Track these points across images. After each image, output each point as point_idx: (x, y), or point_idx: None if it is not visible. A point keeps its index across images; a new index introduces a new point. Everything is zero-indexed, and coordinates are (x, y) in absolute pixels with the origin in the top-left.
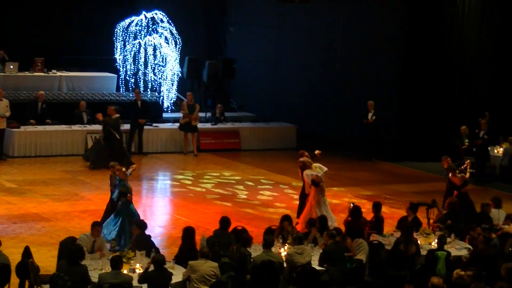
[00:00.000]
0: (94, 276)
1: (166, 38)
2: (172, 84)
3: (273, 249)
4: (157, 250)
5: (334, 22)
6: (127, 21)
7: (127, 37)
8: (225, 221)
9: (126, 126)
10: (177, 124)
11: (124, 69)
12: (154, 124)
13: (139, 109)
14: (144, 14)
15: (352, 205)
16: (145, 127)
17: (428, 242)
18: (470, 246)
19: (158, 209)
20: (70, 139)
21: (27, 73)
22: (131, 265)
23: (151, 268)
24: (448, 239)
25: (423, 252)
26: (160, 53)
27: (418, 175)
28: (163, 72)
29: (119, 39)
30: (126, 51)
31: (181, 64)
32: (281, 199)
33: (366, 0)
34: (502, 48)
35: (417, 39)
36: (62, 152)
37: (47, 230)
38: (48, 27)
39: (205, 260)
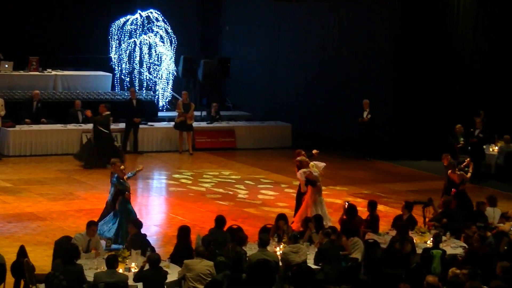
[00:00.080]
0: (89, 275)
1: (161, 37)
2: (168, 83)
3: (268, 248)
4: (152, 249)
5: (330, 22)
6: (122, 20)
7: (122, 36)
8: (220, 220)
9: (122, 125)
10: (173, 123)
11: (119, 68)
12: (149, 123)
13: (134, 108)
14: (139, 13)
15: (347, 203)
16: (141, 126)
17: (423, 241)
18: (465, 245)
19: (154, 208)
20: (65, 138)
21: (22, 72)
22: (126, 264)
23: (147, 267)
24: (444, 238)
25: (419, 251)
26: (155, 52)
27: (414, 173)
28: (158, 71)
29: (114, 38)
30: (121, 50)
31: (177, 63)
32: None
33: None
34: (498, 47)
35: (413, 38)
36: (57, 151)
37: (42, 230)
38: (43, 26)
39: (201, 259)
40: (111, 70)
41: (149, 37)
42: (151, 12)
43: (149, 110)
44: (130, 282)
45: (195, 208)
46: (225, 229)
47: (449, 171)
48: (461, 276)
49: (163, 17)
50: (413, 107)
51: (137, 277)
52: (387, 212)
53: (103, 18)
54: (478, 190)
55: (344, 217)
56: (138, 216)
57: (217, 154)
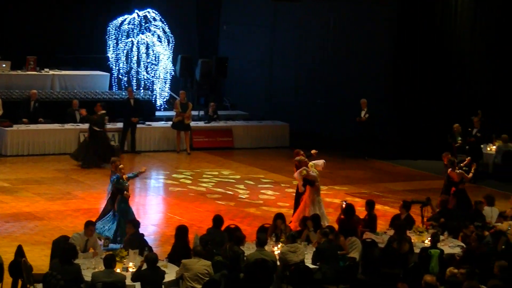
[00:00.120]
0: (87, 275)
1: (158, 37)
2: (165, 82)
3: (266, 248)
4: (150, 248)
5: (329, 21)
6: (120, 19)
7: (120, 36)
8: (218, 220)
9: (119, 125)
10: (170, 123)
11: (117, 68)
12: (147, 123)
13: (132, 108)
14: (137, 13)
15: (345, 203)
16: (138, 125)
17: (421, 240)
18: (463, 244)
19: (151, 207)
20: (63, 138)
21: (19, 72)
22: (124, 264)
23: (144, 266)
24: (441, 237)
25: (416, 250)
26: (153, 51)
27: (412, 173)
28: (156, 70)
29: (111, 38)
30: (118, 49)
31: (174, 62)
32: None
33: None
34: (496, 47)
35: (411, 38)
36: (55, 151)
37: (40, 229)
38: (40, 26)
39: (198, 258)
40: (108, 69)
41: (146, 37)
42: (149, 12)
43: (146, 109)
44: (128, 281)
45: (192, 208)
46: (222, 228)
47: (449, 169)
48: (459, 276)
49: (160, 17)
50: (411, 106)
51: (135, 276)
52: (385, 211)
53: (101, 18)
54: (476, 189)
55: (342, 216)
56: (136, 216)
57: (214, 154)
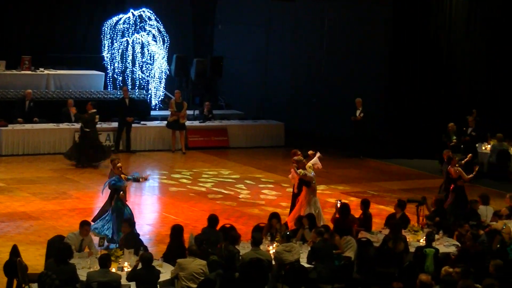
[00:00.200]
0: (82, 275)
1: (153, 36)
2: (160, 82)
3: (261, 247)
4: (145, 248)
5: (324, 20)
6: (115, 19)
7: (115, 35)
8: (213, 219)
9: (114, 124)
10: (165, 122)
11: (112, 67)
12: (142, 122)
13: (127, 107)
14: (132, 12)
15: (339, 202)
16: (133, 125)
17: (416, 239)
18: (458, 243)
19: (146, 207)
20: (58, 138)
21: (14, 72)
22: (119, 264)
23: (140, 266)
24: (436, 236)
25: (412, 249)
26: (148, 51)
27: (407, 172)
28: (151, 70)
29: (106, 37)
30: (113, 49)
31: (169, 62)
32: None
33: None
34: (490, 46)
35: (405, 37)
36: (50, 151)
37: (35, 229)
38: (35, 25)
39: (194, 258)
40: (103, 69)
41: (141, 36)
42: (144, 11)
43: (141, 109)
44: (123, 281)
45: (187, 207)
46: (218, 228)
47: (449, 166)
48: (454, 275)
49: (155, 16)
50: (407, 106)
51: (130, 276)
52: (380, 210)
53: (96, 17)
54: (470, 188)
55: (337, 215)
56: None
57: (210, 153)
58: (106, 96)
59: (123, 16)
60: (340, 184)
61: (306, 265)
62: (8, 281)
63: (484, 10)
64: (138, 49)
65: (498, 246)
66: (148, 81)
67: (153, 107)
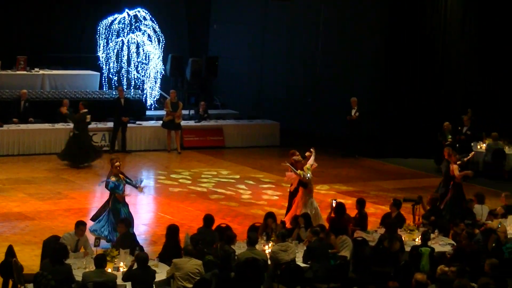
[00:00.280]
0: (78, 275)
1: (149, 36)
2: (155, 82)
3: (257, 247)
4: (141, 248)
5: (319, 19)
6: (110, 19)
7: (110, 35)
8: (208, 219)
9: (110, 124)
10: (161, 122)
11: (107, 67)
12: (137, 122)
13: (122, 107)
14: (127, 12)
15: (335, 202)
16: (129, 125)
17: (412, 239)
18: (453, 242)
19: (142, 207)
20: (53, 138)
21: (9, 72)
22: (115, 264)
23: (135, 266)
24: (432, 235)
25: (407, 249)
26: (143, 51)
27: (403, 171)
28: (146, 70)
29: (102, 37)
30: (109, 49)
31: (164, 61)
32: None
33: None
34: (485, 45)
35: (400, 37)
36: (45, 151)
37: (30, 229)
38: (30, 25)
39: (189, 258)
40: (99, 69)
41: (136, 36)
42: (139, 11)
43: (137, 109)
44: (119, 281)
45: (183, 207)
46: (213, 228)
47: (450, 163)
48: (450, 274)
49: (150, 16)
50: (402, 105)
51: (126, 276)
52: (375, 210)
53: (91, 17)
54: (466, 187)
55: (333, 215)
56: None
57: (205, 153)
58: (101, 96)
59: (118, 16)
60: (335, 183)
61: (302, 265)
62: (3, 281)
63: (479, 11)
64: (133, 49)
65: (494, 245)
66: (143, 81)
67: (148, 107)
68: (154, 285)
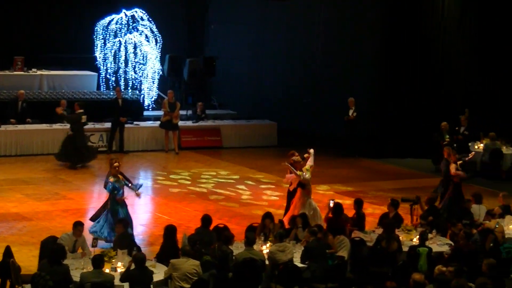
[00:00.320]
0: (75, 276)
1: (146, 36)
2: (153, 82)
3: (255, 247)
4: (138, 248)
5: (317, 19)
6: (107, 19)
7: (108, 35)
8: (206, 219)
9: (107, 125)
10: (158, 122)
11: (105, 68)
12: (135, 123)
13: (120, 108)
14: (124, 12)
15: (332, 202)
16: (126, 125)
17: (409, 239)
18: (451, 242)
19: (140, 207)
20: (51, 138)
21: (7, 72)
22: (112, 264)
23: (132, 266)
24: (430, 235)
25: (405, 249)
26: (141, 51)
27: (401, 171)
28: (143, 70)
29: (99, 38)
30: (106, 49)
31: (162, 62)
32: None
33: None
34: (482, 45)
35: (398, 36)
36: (43, 151)
37: (28, 230)
38: (28, 25)
39: (187, 258)
40: (96, 69)
41: (134, 36)
42: (136, 11)
43: (134, 109)
44: (117, 282)
45: (181, 208)
46: (211, 228)
47: (449, 162)
48: (447, 274)
49: (148, 16)
50: (395, 104)
51: (123, 277)
52: (373, 210)
53: (88, 18)
54: (463, 187)
55: (330, 215)
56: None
57: (203, 153)
58: (99, 97)
59: (116, 16)
60: (333, 183)
61: (300, 265)
62: (1, 282)
63: (478, 11)
64: (130, 49)
65: (491, 245)
66: (141, 81)
67: (146, 107)
68: (152, 286)
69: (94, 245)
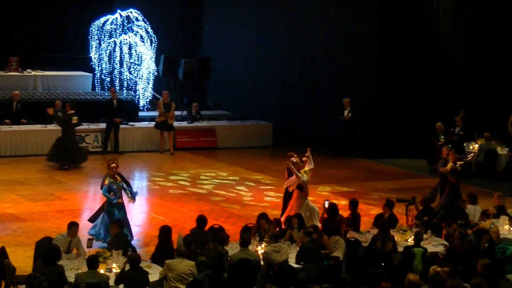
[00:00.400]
0: (70, 276)
1: (141, 37)
2: (148, 82)
3: (250, 247)
4: (133, 249)
5: (312, 20)
6: (102, 19)
7: (102, 36)
8: (201, 220)
9: (102, 125)
10: (153, 123)
11: (100, 68)
12: (130, 123)
13: (115, 108)
14: (119, 13)
15: (327, 202)
16: (121, 126)
17: (404, 239)
18: (446, 242)
19: (135, 208)
20: (45, 139)
21: (1, 73)
22: (107, 265)
23: (127, 267)
24: (425, 236)
25: (400, 249)
26: (136, 51)
27: (396, 171)
28: (138, 70)
29: (94, 38)
30: (101, 50)
31: (157, 62)
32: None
33: None
34: (477, 46)
35: (394, 37)
36: (37, 152)
37: (23, 231)
38: (22, 26)
39: (182, 259)
40: (91, 70)
41: (129, 37)
42: (131, 12)
43: (129, 110)
44: (111, 282)
45: (176, 208)
46: (206, 228)
47: (448, 161)
48: (442, 274)
49: (143, 17)
50: (391, 104)
51: (118, 279)
52: (368, 210)
53: (83, 18)
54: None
55: (325, 215)
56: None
57: (198, 154)
58: (94, 97)
59: (111, 17)
60: (328, 184)
61: (295, 265)
62: None
63: (478, 11)
64: (125, 50)
65: (486, 245)
66: (136, 82)
67: (141, 108)
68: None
69: (89, 245)
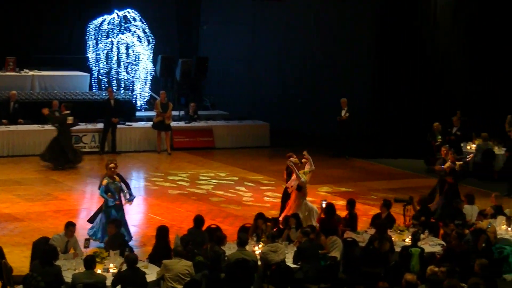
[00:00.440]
0: (67, 276)
1: (138, 37)
2: (145, 82)
3: (247, 247)
4: (131, 249)
5: (310, 19)
6: (100, 19)
7: (100, 36)
8: (199, 220)
9: (100, 125)
10: (151, 123)
11: (97, 68)
12: (127, 123)
13: (112, 108)
14: (117, 13)
15: (325, 202)
16: (118, 126)
17: (402, 239)
18: (443, 242)
19: (132, 208)
20: (43, 139)
21: None
22: (104, 265)
23: (124, 267)
24: (422, 236)
25: (397, 249)
26: (133, 51)
27: (393, 171)
28: (136, 70)
29: (91, 38)
30: (98, 50)
31: (154, 62)
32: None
33: None
34: (474, 46)
35: (392, 37)
36: (35, 152)
37: (20, 231)
38: (20, 26)
39: (179, 259)
40: (88, 70)
41: (126, 37)
42: (128, 12)
43: (127, 110)
44: (109, 283)
45: (173, 208)
46: (203, 229)
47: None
48: (440, 274)
49: (140, 17)
50: (388, 104)
51: (116, 279)
52: (365, 210)
53: (81, 18)
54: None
55: (323, 216)
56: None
57: (195, 154)
58: (91, 97)
59: (108, 17)
60: (325, 184)
61: (292, 265)
62: None
63: (476, 10)
64: (123, 50)
65: (484, 245)
66: (133, 82)
67: (138, 108)
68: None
69: (86, 245)
